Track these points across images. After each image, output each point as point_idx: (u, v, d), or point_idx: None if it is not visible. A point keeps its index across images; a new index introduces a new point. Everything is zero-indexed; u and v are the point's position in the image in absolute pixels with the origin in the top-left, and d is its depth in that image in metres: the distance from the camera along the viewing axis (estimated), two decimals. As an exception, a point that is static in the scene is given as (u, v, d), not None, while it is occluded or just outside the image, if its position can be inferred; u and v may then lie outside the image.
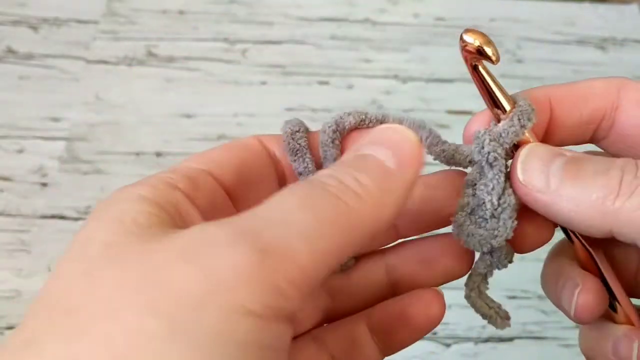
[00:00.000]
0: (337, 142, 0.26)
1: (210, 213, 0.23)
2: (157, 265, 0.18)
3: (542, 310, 0.50)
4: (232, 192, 0.25)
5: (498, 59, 0.24)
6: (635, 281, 0.28)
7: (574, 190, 0.23)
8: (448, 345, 0.48)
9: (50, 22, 0.67)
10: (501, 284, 0.52)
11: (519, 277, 0.50)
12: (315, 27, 0.68)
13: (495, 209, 0.24)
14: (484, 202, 0.25)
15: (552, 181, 0.23)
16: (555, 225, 0.26)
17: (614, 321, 0.27)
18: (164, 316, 0.16)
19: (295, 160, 0.26)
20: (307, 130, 0.26)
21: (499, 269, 0.26)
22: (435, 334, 0.48)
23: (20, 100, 0.61)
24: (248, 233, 0.18)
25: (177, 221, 0.21)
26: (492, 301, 0.27)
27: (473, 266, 0.27)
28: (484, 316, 0.27)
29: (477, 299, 0.27)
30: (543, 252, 0.57)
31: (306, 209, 0.19)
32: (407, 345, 0.27)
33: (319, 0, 0.71)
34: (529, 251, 0.26)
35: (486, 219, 0.25)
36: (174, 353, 0.16)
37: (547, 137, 0.26)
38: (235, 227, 0.18)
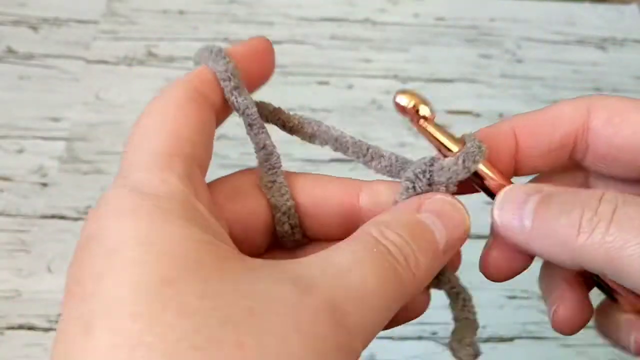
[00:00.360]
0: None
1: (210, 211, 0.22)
2: (275, 335, 0.18)
3: (542, 310, 0.50)
4: (203, 169, 0.24)
5: (434, 116, 0.25)
6: None
7: (543, 231, 0.24)
8: (448, 345, 0.48)
9: (50, 22, 0.67)
10: (501, 284, 0.52)
11: (519, 277, 0.50)
12: (315, 27, 0.68)
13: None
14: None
15: (526, 223, 0.24)
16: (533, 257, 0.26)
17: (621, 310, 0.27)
18: None
19: (263, 133, 0.26)
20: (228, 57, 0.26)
21: None
22: (435, 334, 0.48)
23: (20, 100, 0.61)
24: (338, 311, 0.20)
25: (219, 243, 0.21)
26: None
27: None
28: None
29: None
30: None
31: (382, 294, 0.21)
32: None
33: (319, 0, 0.71)
34: (504, 280, 0.27)
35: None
36: None
37: (518, 166, 0.27)
38: (328, 303, 0.19)
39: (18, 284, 0.50)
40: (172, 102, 0.23)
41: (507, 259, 0.26)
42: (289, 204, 0.25)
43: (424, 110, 0.24)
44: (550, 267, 0.28)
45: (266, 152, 0.26)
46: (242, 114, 0.25)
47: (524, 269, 0.27)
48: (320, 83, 0.63)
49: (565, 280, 0.27)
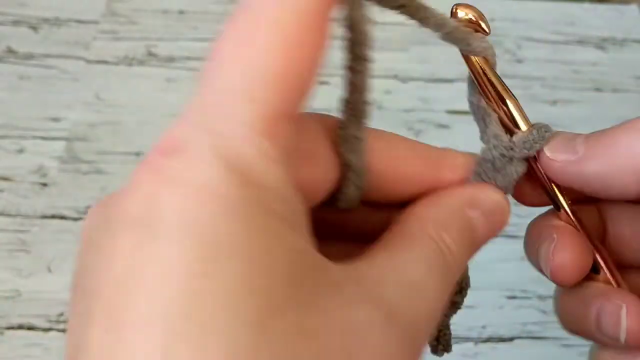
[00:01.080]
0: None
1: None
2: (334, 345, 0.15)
3: (542, 310, 0.50)
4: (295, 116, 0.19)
5: (489, 31, 0.24)
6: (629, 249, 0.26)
7: (598, 147, 0.23)
8: (448, 345, 0.48)
9: (50, 22, 0.67)
10: (501, 284, 0.52)
11: (519, 277, 0.50)
12: (315, 27, 0.68)
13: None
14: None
15: (579, 149, 0.23)
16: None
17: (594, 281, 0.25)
18: None
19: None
20: None
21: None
22: (435, 334, 0.48)
23: (20, 100, 0.61)
24: (409, 337, 0.18)
25: (307, 246, 0.17)
26: None
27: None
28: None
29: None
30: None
31: (441, 305, 0.20)
32: None
33: (319, 0, 0.70)
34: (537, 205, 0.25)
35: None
36: None
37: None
38: (407, 330, 0.18)
39: (18, 284, 0.50)
40: (296, 14, 0.16)
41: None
42: (361, 163, 0.21)
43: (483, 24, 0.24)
44: (541, 220, 0.26)
45: (357, 97, 0.22)
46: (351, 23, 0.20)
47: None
48: (320, 83, 0.63)
49: (558, 224, 0.25)
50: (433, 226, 0.21)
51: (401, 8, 0.24)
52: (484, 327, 0.48)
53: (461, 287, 0.25)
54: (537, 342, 0.49)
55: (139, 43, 0.66)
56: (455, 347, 0.47)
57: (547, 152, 0.24)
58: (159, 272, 0.13)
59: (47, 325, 0.48)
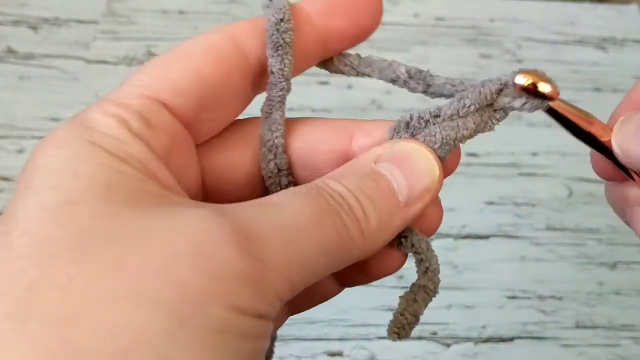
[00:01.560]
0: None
1: (165, 156, 0.20)
2: (162, 255, 0.17)
3: (542, 310, 0.50)
4: (191, 121, 0.21)
5: (557, 93, 0.23)
6: None
7: None
8: (448, 345, 0.48)
9: (50, 22, 0.67)
10: (501, 284, 0.52)
11: (519, 277, 0.50)
12: (315, 27, 0.68)
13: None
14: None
15: None
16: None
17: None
18: (169, 311, 0.16)
19: (273, 56, 0.22)
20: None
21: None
22: (435, 334, 0.48)
23: (20, 100, 0.61)
24: (253, 240, 0.18)
25: (144, 178, 0.19)
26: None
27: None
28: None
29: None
30: (542, 251, 0.57)
31: (314, 231, 0.19)
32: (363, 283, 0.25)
33: (319, 0, 0.71)
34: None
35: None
36: (178, 349, 0.16)
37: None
38: (240, 229, 0.18)
39: (18, 284, 0.50)
40: (189, 46, 0.21)
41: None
42: (277, 141, 0.23)
43: (543, 87, 0.22)
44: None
45: (273, 80, 0.23)
46: (271, 73, 0.22)
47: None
48: (320, 83, 0.63)
49: None
50: (322, 178, 0.21)
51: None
52: (484, 327, 0.48)
53: (426, 268, 0.23)
54: (537, 342, 0.49)
55: (139, 43, 0.66)
56: (455, 347, 0.47)
57: (616, 136, 0.23)
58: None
59: None
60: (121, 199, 0.18)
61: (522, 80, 0.22)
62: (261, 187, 0.24)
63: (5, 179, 0.56)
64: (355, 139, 0.23)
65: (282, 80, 0.23)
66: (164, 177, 0.20)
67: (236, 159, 0.23)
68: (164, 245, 0.17)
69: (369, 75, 0.24)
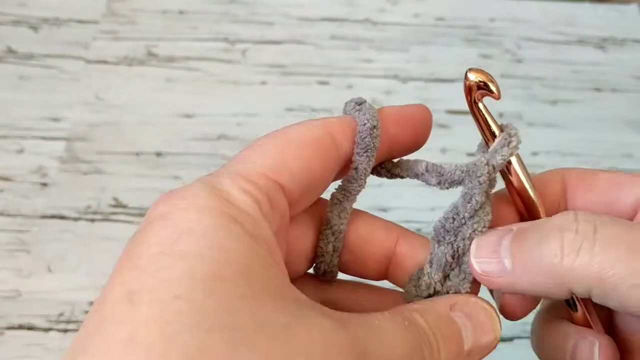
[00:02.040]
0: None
1: (276, 235, 0.22)
2: (303, 356, 0.19)
3: (542, 310, 0.50)
4: (293, 203, 0.24)
5: (500, 95, 0.25)
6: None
7: (524, 265, 0.23)
8: (448, 345, 0.48)
9: (50, 22, 0.67)
10: (501, 284, 0.52)
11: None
12: (315, 27, 0.68)
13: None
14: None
15: (506, 262, 0.24)
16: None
17: (572, 322, 0.27)
18: None
19: (362, 156, 0.25)
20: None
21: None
22: (435, 334, 0.48)
23: (20, 100, 0.61)
24: (366, 356, 0.20)
25: (271, 261, 0.21)
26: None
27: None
28: None
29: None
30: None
31: (406, 355, 0.22)
32: None
33: (319, 0, 0.71)
34: (521, 317, 0.27)
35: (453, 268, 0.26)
36: None
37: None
38: (358, 344, 0.20)
39: (18, 284, 0.50)
40: (300, 134, 0.24)
41: (519, 300, 0.26)
42: (342, 227, 0.26)
43: (492, 87, 0.25)
44: (556, 323, 0.28)
45: (355, 175, 0.25)
46: (354, 171, 0.25)
47: (536, 305, 0.27)
48: (320, 83, 0.63)
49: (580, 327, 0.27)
50: (408, 309, 0.24)
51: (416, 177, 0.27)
52: (484, 327, 0.48)
53: None
54: (537, 342, 0.49)
55: (139, 43, 0.66)
56: (455, 347, 0.46)
57: (475, 264, 0.25)
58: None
59: (47, 325, 0.48)
60: (259, 282, 0.19)
61: (473, 77, 0.25)
62: (308, 262, 0.27)
63: (5, 179, 0.56)
64: (399, 243, 0.27)
65: (363, 177, 0.25)
66: (278, 257, 0.22)
67: (300, 234, 0.26)
68: (305, 346, 0.19)
69: (400, 176, 0.27)
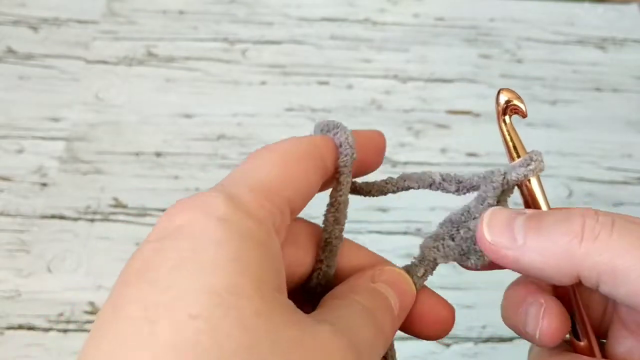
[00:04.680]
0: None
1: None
2: None
3: (542, 310, 0.49)
4: (293, 216, 0.25)
5: (526, 114, 0.26)
6: (600, 323, 0.28)
7: (538, 242, 0.24)
8: (448, 345, 0.48)
9: (50, 22, 0.67)
10: (501, 284, 0.52)
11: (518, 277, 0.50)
12: (315, 27, 0.68)
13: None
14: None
15: (518, 237, 0.24)
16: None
17: (576, 351, 0.27)
18: None
19: (345, 167, 0.26)
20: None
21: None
22: (435, 334, 0.48)
23: (20, 100, 0.61)
24: (358, 351, 0.22)
25: (279, 275, 0.22)
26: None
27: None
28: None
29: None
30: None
31: (375, 347, 0.24)
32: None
33: (319, 0, 0.71)
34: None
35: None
36: None
37: None
38: (353, 344, 0.22)
39: (18, 284, 0.50)
40: (295, 149, 0.24)
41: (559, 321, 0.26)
42: (331, 274, 0.28)
43: (522, 106, 0.26)
44: (521, 286, 0.28)
45: (341, 188, 0.27)
46: (336, 189, 0.27)
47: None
48: (320, 83, 0.63)
49: (541, 291, 0.27)
50: (351, 291, 0.25)
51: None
52: (484, 327, 0.48)
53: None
54: (537, 342, 0.49)
55: (139, 43, 0.66)
56: (455, 347, 0.47)
57: (486, 233, 0.25)
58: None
59: (47, 325, 0.48)
60: (269, 295, 0.20)
61: (505, 97, 0.26)
62: (300, 279, 0.28)
63: (5, 179, 0.56)
64: (377, 268, 0.28)
65: (346, 191, 0.27)
66: (283, 269, 0.23)
67: (302, 255, 0.27)
68: (314, 358, 0.20)
69: (409, 188, 0.28)
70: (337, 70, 0.65)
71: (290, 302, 0.22)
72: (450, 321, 0.27)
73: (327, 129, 0.27)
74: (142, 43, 0.66)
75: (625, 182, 0.58)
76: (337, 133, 0.26)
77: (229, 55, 0.65)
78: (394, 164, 0.58)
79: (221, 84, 0.63)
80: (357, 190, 0.29)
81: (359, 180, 0.28)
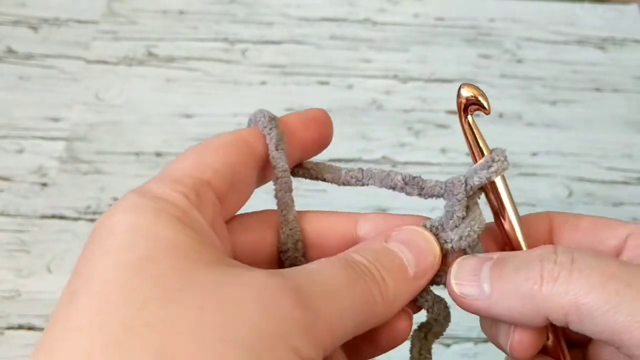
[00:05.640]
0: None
1: (212, 226, 0.24)
2: (235, 302, 0.20)
3: (542, 310, 0.49)
4: (222, 199, 0.25)
5: (490, 110, 0.26)
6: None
7: (503, 291, 0.24)
8: (448, 345, 0.48)
9: (50, 22, 0.67)
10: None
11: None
12: (315, 27, 0.68)
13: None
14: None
15: (485, 286, 0.25)
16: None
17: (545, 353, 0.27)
18: (246, 349, 0.19)
19: (277, 151, 0.27)
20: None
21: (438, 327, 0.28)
22: (435, 334, 0.48)
23: (20, 100, 0.61)
24: (306, 295, 0.22)
25: (205, 241, 0.22)
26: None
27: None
28: None
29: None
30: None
31: (350, 294, 0.23)
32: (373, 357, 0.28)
33: (318, 0, 0.71)
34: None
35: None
36: None
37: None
38: (295, 286, 0.22)
39: (18, 284, 0.50)
40: (215, 141, 0.26)
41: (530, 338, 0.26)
42: (296, 237, 0.28)
43: (484, 102, 0.26)
44: None
45: (277, 172, 0.27)
46: (274, 168, 0.27)
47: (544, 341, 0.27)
48: (320, 83, 0.63)
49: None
50: (344, 253, 0.25)
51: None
52: (484, 327, 0.48)
53: (435, 320, 0.28)
54: (537, 342, 0.49)
55: (139, 43, 0.66)
56: (455, 347, 0.47)
57: (454, 286, 0.26)
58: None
59: (46, 325, 0.48)
60: (189, 255, 0.21)
61: (466, 92, 0.26)
62: (278, 266, 0.28)
63: (5, 179, 0.56)
64: (359, 226, 0.28)
65: (287, 171, 0.27)
66: (216, 243, 0.24)
67: (258, 239, 0.28)
68: (236, 294, 0.20)
69: (322, 179, 0.29)
70: (337, 70, 0.65)
71: (230, 261, 0.23)
72: (406, 333, 0.27)
73: (255, 119, 0.27)
74: (142, 43, 0.66)
75: (625, 182, 0.58)
76: (259, 120, 0.27)
77: (229, 55, 0.65)
78: (394, 164, 0.58)
79: (221, 84, 0.63)
80: (305, 171, 0.29)
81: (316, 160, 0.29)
